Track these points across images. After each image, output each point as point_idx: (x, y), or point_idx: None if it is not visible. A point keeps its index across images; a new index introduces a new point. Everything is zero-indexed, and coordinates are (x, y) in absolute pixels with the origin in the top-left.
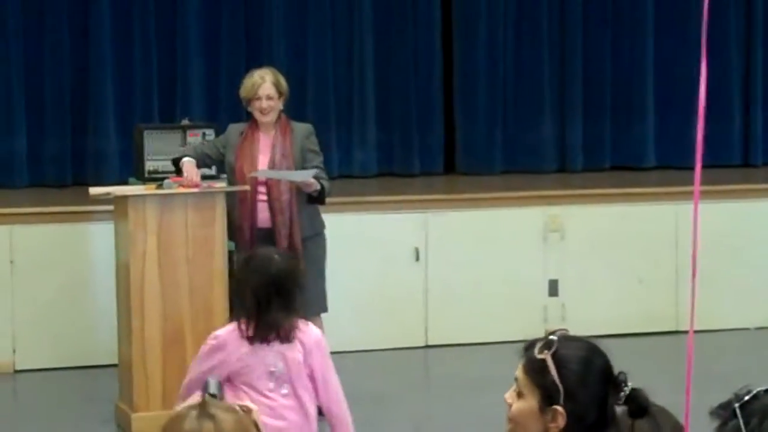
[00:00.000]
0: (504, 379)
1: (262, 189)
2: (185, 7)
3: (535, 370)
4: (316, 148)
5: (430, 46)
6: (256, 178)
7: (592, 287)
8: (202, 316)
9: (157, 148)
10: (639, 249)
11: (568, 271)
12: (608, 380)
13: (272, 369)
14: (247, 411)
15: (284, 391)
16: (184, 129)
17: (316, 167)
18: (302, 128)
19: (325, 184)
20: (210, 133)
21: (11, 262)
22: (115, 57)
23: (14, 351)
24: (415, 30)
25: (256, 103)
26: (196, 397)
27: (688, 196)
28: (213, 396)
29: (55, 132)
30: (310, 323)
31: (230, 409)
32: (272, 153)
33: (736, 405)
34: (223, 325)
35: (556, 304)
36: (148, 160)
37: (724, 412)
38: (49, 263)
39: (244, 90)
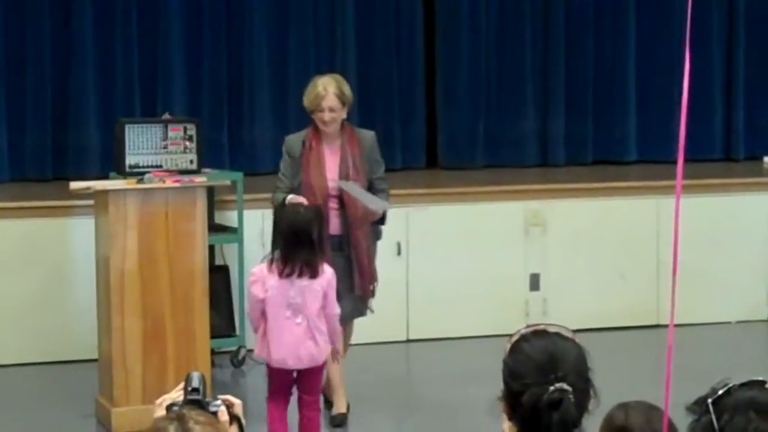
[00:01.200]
0: (485, 373)
1: (333, 202)
2: (167, 1)
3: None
4: (380, 157)
5: (412, 40)
6: (325, 187)
7: (574, 281)
8: (183, 311)
9: (139, 142)
10: (620, 243)
11: (549, 266)
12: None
13: (291, 301)
14: (230, 405)
15: (298, 320)
16: (165, 123)
17: (381, 179)
18: (368, 137)
19: (388, 206)
20: (191, 128)
21: None
22: (96, 51)
23: None
24: (397, 24)
25: (319, 115)
26: (175, 394)
27: (669, 190)
28: (195, 390)
29: (36, 126)
30: (326, 265)
31: (208, 423)
32: (342, 166)
33: (709, 401)
34: (203, 318)
35: (538, 299)
36: (129, 154)
37: (699, 408)
38: (30, 258)
39: (307, 100)
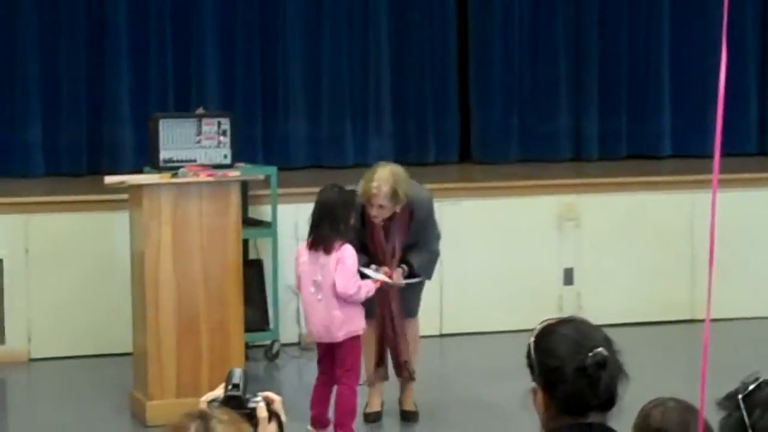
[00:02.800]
0: (519, 368)
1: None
2: None
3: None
4: (433, 225)
5: (446, 35)
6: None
7: (608, 276)
8: (216, 305)
9: (173, 137)
10: (654, 238)
11: (583, 260)
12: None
13: (314, 278)
14: (270, 401)
15: (319, 297)
16: (199, 118)
17: (429, 243)
18: (423, 208)
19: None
20: (225, 122)
21: (26, 250)
22: (130, 46)
23: (29, 340)
24: (431, 19)
25: (368, 207)
26: (219, 390)
27: (703, 184)
28: (236, 386)
29: (71, 121)
30: (348, 245)
31: (232, 422)
32: (388, 245)
33: (740, 396)
34: (237, 312)
35: (572, 293)
36: (164, 149)
37: (729, 403)
38: (65, 252)
39: (361, 190)
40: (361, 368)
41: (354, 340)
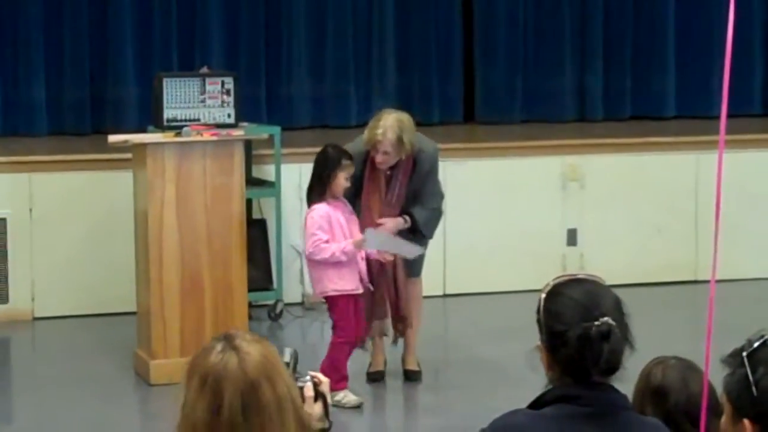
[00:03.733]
0: (523, 328)
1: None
2: None
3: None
4: (436, 181)
5: None
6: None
7: (611, 237)
8: (221, 264)
9: (177, 96)
10: (658, 198)
11: (587, 221)
12: (582, 315)
13: None
14: (318, 382)
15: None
16: (203, 77)
17: (431, 195)
18: (427, 161)
19: (419, 251)
20: (229, 81)
21: (30, 210)
22: (134, 4)
23: (33, 299)
24: None
25: (373, 153)
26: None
27: (708, 145)
28: (287, 364)
29: (75, 80)
30: (317, 204)
31: (257, 340)
32: (389, 194)
33: (744, 354)
34: (241, 272)
35: (575, 254)
36: (168, 108)
37: (734, 360)
38: (68, 211)
39: (366, 136)
40: (349, 327)
41: (334, 299)
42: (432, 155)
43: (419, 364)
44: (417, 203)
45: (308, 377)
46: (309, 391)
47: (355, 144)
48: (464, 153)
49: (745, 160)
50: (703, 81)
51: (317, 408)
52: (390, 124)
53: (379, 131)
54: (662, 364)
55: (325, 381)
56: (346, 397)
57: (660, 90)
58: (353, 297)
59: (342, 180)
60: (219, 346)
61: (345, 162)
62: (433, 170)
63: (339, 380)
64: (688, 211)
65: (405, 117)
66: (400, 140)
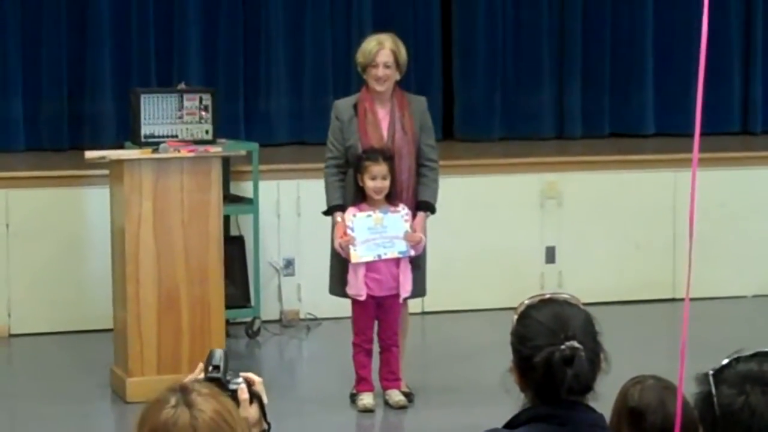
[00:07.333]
0: (500, 346)
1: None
2: None
3: None
4: (431, 123)
5: (429, 12)
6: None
7: (590, 254)
8: (198, 282)
9: (154, 112)
10: (637, 216)
11: (565, 238)
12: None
13: None
14: (251, 382)
15: None
16: (181, 93)
17: (431, 147)
18: (418, 102)
19: (413, 253)
20: (207, 98)
21: (7, 225)
22: (112, 20)
23: (9, 315)
24: None
25: (372, 71)
26: (198, 373)
27: (686, 163)
28: (216, 368)
29: (52, 96)
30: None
31: (213, 396)
32: (391, 129)
33: (710, 372)
34: (218, 289)
35: (553, 271)
36: (145, 124)
37: (704, 378)
38: (45, 227)
39: (362, 55)
40: (358, 330)
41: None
42: (424, 101)
43: (408, 386)
44: (419, 184)
45: (240, 379)
46: (243, 394)
47: (342, 101)
48: (443, 170)
49: (723, 178)
50: (682, 98)
51: (253, 411)
52: (385, 36)
53: (375, 42)
54: (640, 384)
55: (258, 380)
56: (362, 400)
57: (639, 108)
58: (361, 302)
59: (368, 182)
60: (173, 400)
61: (364, 164)
62: (427, 113)
63: (356, 382)
64: (666, 229)
65: (394, 34)
66: (398, 50)
